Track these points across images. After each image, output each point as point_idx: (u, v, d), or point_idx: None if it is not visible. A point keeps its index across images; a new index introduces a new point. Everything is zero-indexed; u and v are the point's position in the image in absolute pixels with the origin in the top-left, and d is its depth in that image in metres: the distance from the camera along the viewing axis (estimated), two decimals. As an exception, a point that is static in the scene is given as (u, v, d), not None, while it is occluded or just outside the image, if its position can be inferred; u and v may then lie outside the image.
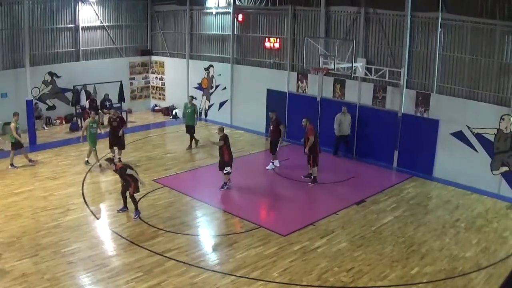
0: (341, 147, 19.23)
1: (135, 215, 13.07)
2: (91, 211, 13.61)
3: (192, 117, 20.03)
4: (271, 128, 17.71)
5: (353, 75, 17.53)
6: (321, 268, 10.88)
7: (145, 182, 14.30)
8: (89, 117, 17.88)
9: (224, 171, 15.30)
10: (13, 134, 16.83)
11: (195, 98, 21.63)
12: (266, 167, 17.61)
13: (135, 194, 13.22)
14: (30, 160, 17.37)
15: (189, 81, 25.67)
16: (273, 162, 17.69)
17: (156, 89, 27.65)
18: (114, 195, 14.72)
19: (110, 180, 15.94)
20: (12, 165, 17.06)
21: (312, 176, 16.17)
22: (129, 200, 13.31)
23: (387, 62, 18.02)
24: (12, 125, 17.01)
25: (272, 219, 14.34)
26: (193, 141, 20.13)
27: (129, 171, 13.06)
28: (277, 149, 17.62)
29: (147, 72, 27.56)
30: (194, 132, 20.18)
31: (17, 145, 17.10)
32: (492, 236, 12.72)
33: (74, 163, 17.65)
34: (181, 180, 16.40)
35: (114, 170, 13.27)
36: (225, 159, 15.18)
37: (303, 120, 16.44)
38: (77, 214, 13.35)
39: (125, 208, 13.47)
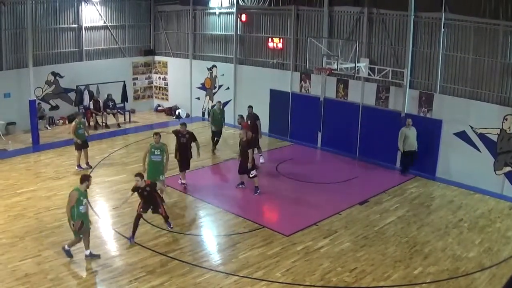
0: (409, 163, 17.36)
1: (171, 224, 12.47)
2: (94, 211, 13.63)
3: (221, 122, 19.83)
4: (249, 123, 17.70)
5: (356, 75, 17.52)
6: (324, 268, 10.89)
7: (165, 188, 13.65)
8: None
9: (251, 175, 15.05)
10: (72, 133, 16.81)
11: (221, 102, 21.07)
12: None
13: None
14: (87, 163, 17.12)
15: (192, 81, 25.68)
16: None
17: (159, 89, 27.67)
18: (117, 195, 14.74)
19: (113, 180, 15.96)
20: (78, 165, 16.94)
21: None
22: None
23: (390, 62, 18.01)
24: (72, 124, 16.99)
25: (275, 219, 14.34)
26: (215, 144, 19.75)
27: (158, 186, 12.00)
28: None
29: (150, 72, 27.58)
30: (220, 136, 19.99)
31: (77, 146, 16.90)
32: (495, 236, 12.71)
33: (77, 163, 17.64)
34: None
35: (142, 188, 11.58)
36: (250, 162, 14.83)
37: (237, 117, 17.17)
38: (80, 214, 13.34)
39: (133, 239, 11.79)
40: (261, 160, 17.87)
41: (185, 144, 15.27)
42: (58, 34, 23.49)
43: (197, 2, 24.58)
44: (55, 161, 17.87)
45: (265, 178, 16.97)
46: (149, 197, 11.72)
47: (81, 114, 17.55)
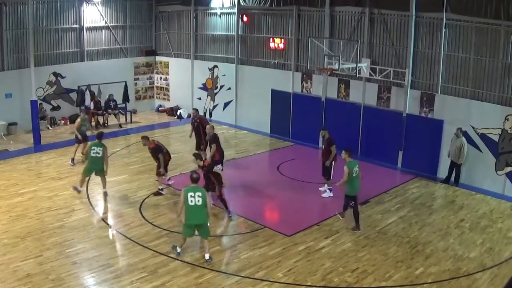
0: (451, 174, 16.43)
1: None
2: (96, 212, 13.65)
3: None
4: (323, 148, 15.37)
5: (357, 75, 17.52)
6: (326, 268, 10.89)
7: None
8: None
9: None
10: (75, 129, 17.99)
11: None
12: (322, 195, 15.22)
13: None
14: (75, 154, 17.85)
15: (194, 81, 25.69)
16: (330, 189, 15.12)
17: (161, 90, 27.69)
18: (118, 195, 14.76)
19: (114, 181, 15.95)
20: (72, 160, 17.66)
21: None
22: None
23: (391, 63, 18.00)
24: (77, 120, 18.23)
25: (277, 219, 14.34)
26: None
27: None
28: (331, 173, 14.96)
29: (152, 72, 27.60)
30: None
31: (78, 140, 17.85)
32: (497, 236, 12.70)
33: (78, 163, 17.66)
34: (185, 180, 16.32)
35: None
36: (216, 158, 14.99)
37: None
38: (81, 214, 13.37)
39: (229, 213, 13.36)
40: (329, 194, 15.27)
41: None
42: (59, 34, 23.51)
43: (198, 2, 24.59)
44: (56, 161, 17.89)
45: (267, 178, 17.00)
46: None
47: (84, 112, 18.63)
